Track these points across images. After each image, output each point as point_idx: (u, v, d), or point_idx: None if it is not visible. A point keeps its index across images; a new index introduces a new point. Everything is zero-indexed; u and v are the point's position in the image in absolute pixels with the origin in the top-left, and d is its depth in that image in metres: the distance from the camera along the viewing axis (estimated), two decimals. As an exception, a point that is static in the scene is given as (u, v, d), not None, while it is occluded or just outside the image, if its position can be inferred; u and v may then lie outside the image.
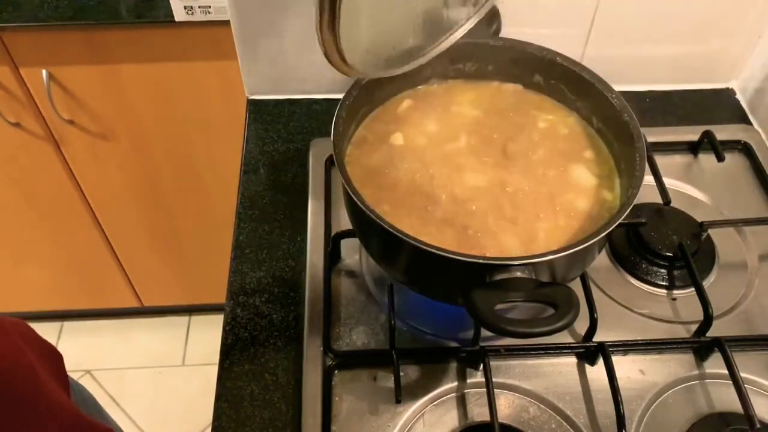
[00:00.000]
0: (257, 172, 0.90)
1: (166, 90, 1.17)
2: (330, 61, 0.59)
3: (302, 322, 0.73)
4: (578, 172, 0.71)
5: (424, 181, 0.70)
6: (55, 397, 0.55)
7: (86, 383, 0.89)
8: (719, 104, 0.99)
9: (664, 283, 0.77)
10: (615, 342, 0.70)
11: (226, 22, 0.90)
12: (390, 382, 0.68)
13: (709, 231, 0.79)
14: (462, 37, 0.77)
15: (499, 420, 0.65)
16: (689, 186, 0.87)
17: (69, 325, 1.83)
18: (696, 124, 0.92)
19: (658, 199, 0.78)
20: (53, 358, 0.60)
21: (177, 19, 1.03)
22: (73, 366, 0.74)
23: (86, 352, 1.76)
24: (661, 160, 0.84)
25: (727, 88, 1.01)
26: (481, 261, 0.57)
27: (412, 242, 0.57)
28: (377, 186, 0.69)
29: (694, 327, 0.72)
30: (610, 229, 0.59)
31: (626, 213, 0.60)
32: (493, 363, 0.69)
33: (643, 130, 0.67)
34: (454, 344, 0.71)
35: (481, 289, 0.55)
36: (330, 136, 0.65)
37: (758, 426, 0.62)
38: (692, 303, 0.73)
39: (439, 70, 0.78)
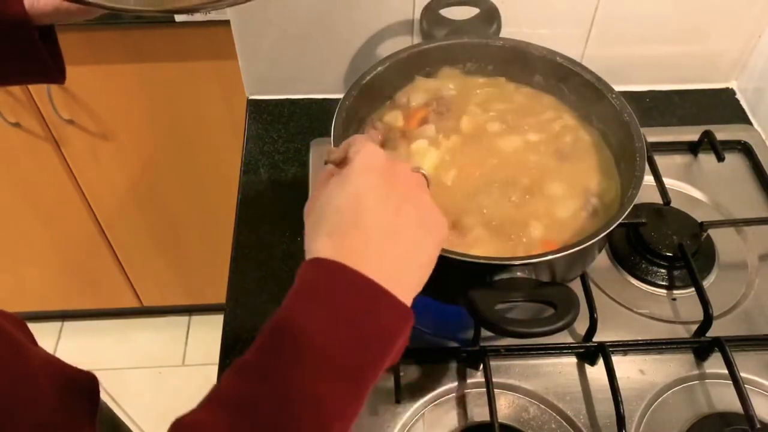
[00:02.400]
0: (257, 172, 0.90)
1: (166, 90, 1.17)
2: None
3: (302, 322, 0.73)
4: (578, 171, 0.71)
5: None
6: (38, 353, 0.56)
7: (86, 383, 0.89)
8: (719, 104, 0.99)
9: (664, 283, 0.77)
10: (615, 342, 0.70)
11: (226, 22, 0.90)
12: (390, 382, 0.68)
13: (709, 231, 0.79)
14: (462, 37, 0.77)
15: (499, 420, 0.65)
16: (689, 186, 0.87)
17: (69, 325, 1.83)
18: (696, 124, 0.92)
19: (658, 199, 0.78)
20: (20, 323, 0.62)
21: (177, 19, 1.03)
22: (73, 366, 0.76)
23: (86, 352, 1.76)
24: (661, 160, 0.84)
25: (727, 88, 1.01)
26: (481, 261, 0.57)
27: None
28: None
29: (694, 327, 0.72)
30: (610, 229, 0.59)
31: (626, 213, 0.60)
32: (493, 363, 0.69)
33: (643, 130, 0.67)
34: (454, 344, 0.71)
35: (482, 289, 0.55)
36: (330, 136, 0.65)
37: (758, 426, 0.62)
38: (692, 303, 0.73)
39: (439, 68, 0.78)
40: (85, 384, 0.61)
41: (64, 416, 0.51)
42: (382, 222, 0.44)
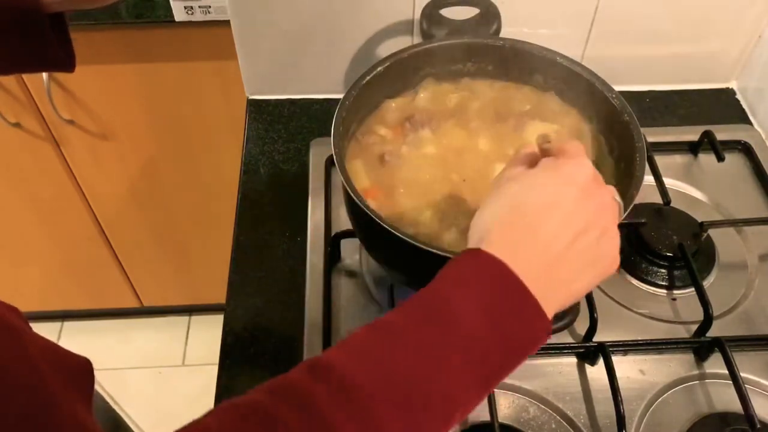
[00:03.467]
0: (257, 172, 0.90)
1: (166, 90, 1.17)
2: None
3: (302, 322, 0.73)
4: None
5: (426, 180, 0.70)
6: (34, 337, 0.56)
7: (86, 383, 0.89)
8: (719, 104, 0.99)
9: (664, 283, 0.77)
10: (615, 342, 0.70)
11: (226, 22, 0.90)
12: (390, 382, 0.67)
13: (709, 231, 0.79)
14: (462, 37, 0.77)
15: (499, 420, 0.65)
16: (689, 186, 0.87)
17: (69, 325, 1.83)
18: (696, 124, 0.92)
19: (658, 199, 0.78)
20: (13, 309, 0.62)
21: (177, 18, 1.03)
22: (73, 366, 0.76)
23: (86, 352, 1.73)
24: (661, 160, 0.85)
25: (727, 88, 1.01)
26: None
27: (412, 243, 0.57)
28: (378, 185, 0.69)
29: (694, 327, 0.72)
30: (610, 229, 0.59)
31: (626, 213, 0.60)
32: (493, 363, 0.69)
33: (643, 130, 0.67)
34: (454, 344, 0.71)
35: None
36: (330, 136, 0.65)
37: (758, 426, 0.62)
38: (692, 303, 0.73)
39: (439, 69, 0.78)
40: (82, 368, 0.61)
41: (64, 398, 0.51)
42: (557, 241, 0.44)
